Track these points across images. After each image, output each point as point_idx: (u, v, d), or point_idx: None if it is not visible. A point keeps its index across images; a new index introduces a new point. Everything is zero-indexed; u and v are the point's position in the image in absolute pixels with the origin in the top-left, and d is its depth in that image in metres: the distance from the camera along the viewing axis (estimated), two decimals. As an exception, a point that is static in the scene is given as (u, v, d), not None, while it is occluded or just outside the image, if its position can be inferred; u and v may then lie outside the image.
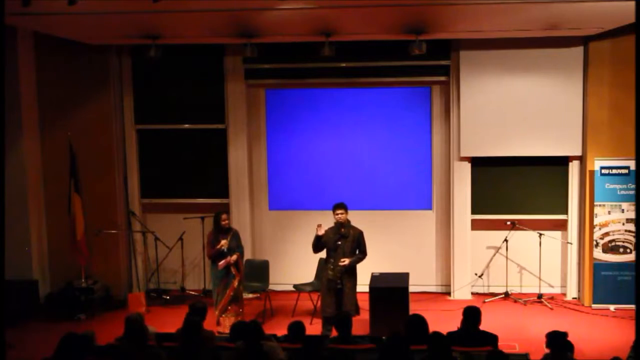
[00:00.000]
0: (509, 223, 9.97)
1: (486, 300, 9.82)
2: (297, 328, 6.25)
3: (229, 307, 8.52)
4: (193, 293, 10.38)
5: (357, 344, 6.18)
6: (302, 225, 10.15)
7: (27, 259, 9.87)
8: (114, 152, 10.29)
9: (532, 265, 10.04)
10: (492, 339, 6.08)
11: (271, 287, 9.75)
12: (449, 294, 10.25)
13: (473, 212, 10.11)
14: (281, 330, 6.63)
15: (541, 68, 9.63)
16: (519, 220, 9.96)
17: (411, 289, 8.60)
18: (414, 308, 8.38)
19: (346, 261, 8.10)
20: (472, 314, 6.16)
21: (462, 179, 10.03)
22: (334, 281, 8.11)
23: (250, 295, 9.77)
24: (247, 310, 8.98)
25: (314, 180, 10.56)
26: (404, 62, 9.79)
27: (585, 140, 9.61)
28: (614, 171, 9.33)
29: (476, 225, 10.17)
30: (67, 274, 10.00)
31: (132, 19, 8.03)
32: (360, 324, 8.10)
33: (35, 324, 9.26)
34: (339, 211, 8.20)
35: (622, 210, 9.36)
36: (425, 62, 9.81)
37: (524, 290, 10.12)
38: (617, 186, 9.34)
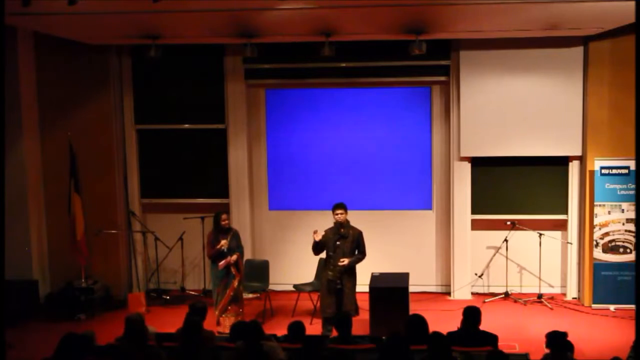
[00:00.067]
0: (509, 223, 9.97)
1: (486, 300, 9.82)
2: (297, 328, 6.25)
3: (229, 307, 8.52)
4: (193, 293, 10.38)
5: (357, 344, 6.18)
6: (302, 225, 10.15)
7: (27, 259, 9.87)
8: (114, 152, 10.29)
9: (532, 265, 10.04)
10: (492, 339, 6.08)
11: (271, 287, 9.75)
12: (449, 294, 10.25)
13: (473, 212, 10.11)
14: (281, 330, 6.63)
15: (541, 68, 9.63)
16: (519, 220, 9.96)
17: (411, 289, 8.60)
18: (414, 308, 8.38)
19: (345, 261, 8.09)
20: (472, 314, 6.16)
21: (462, 179, 10.03)
22: (334, 281, 8.11)
23: (250, 295, 9.77)
24: (247, 310, 8.98)
25: (314, 180, 10.56)
26: (404, 62, 9.79)
27: (585, 140, 9.61)
28: (614, 171, 9.33)
29: (476, 225, 10.18)
30: (67, 274, 10.00)
31: (132, 19, 8.02)
32: (360, 324, 8.10)
33: (35, 324, 9.26)
34: (339, 211, 8.20)
35: (622, 210, 9.36)
36: (425, 62, 9.81)
37: (524, 290, 10.12)
38: (617, 186, 9.34)
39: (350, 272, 8.22)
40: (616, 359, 5.46)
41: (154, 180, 10.65)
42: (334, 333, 6.52)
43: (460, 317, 6.22)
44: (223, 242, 8.47)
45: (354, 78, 10.20)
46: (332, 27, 8.44)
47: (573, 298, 9.94)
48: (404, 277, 8.66)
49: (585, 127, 9.60)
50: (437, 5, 7.60)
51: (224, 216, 8.66)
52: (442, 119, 10.24)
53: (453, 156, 10.02)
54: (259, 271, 9.60)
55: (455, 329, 6.17)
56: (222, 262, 8.45)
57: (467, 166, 10.04)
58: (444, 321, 7.75)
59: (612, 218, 9.39)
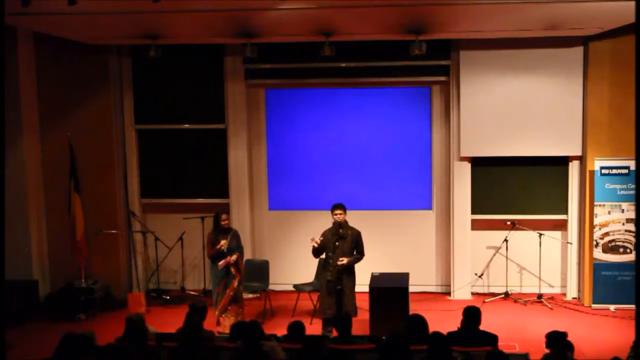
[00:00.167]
0: (509, 223, 9.97)
1: (486, 300, 9.82)
2: (297, 328, 6.26)
3: (229, 307, 8.51)
4: (193, 293, 10.38)
5: (357, 344, 6.18)
6: (302, 225, 10.16)
7: (27, 259, 9.86)
8: (114, 152, 10.29)
9: (532, 265, 10.04)
10: (492, 339, 6.08)
11: (271, 287, 9.76)
12: (449, 294, 10.25)
13: (473, 212, 10.11)
14: (281, 330, 6.63)
15: (541, 68, 9.63)
16: (519, 220, 9.96)
17: (411, 289, 8.60)
18: (414, 308, 8.38)
19: (345, 260, 8.09)
20: (472, 314, 6.16)
21: (462, 179, 10.03)
22: (334, 282, 8.11)
23: (250, 295, 9.77)
24: (247, 310, 8.98)
25: (314, 180, 10.56)
26: (404, 62, 9.79)
27: (585, 140, 9.61)
28: (614, 171, 9.33)
29: (476, 225, 10.17)
30: (67, 274, 9.99)
31: (132, 19, 8.03)
32: (360, 324, 8.10)
33: (35, 324, 9.26)
34: (338, 211, 8.20)
35: (622, 210, 9.36)
36: (425, 62, 9.81)
37: (524, 290, 10.12)
38: (617, 186, 9.34)
39: (349, 273, 8.22)
40: (616, 359, 5.46)
41: (154, 180, 10.65)
42: (334, 333, 6.52)
43: (460, 317, 6.22)
44: (223, 242, 8.47)
45: (354, 78, 10.20)
46: (332, 27, 8.44)
47: (573, 298, 9.94)
48: (404, 277, 8.66)
49: (585, 127, 9.60)
50: (437, 5, 7.60)
51: (224, 216, 8.66)
52: (442, 119, 10.24)
53: (453, 156, 10.02)
54: (259, 271, 9.60)
55: (455, 329, 6.18)
56: (222, 262, 8.45)
57: (467, 166, 10.04)
58: (444, 321, 7.75)
59: (612, 218, 9.39)
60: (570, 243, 9.93)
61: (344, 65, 10.04)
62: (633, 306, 8.27)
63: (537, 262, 9.91)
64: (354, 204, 9.99)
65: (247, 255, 9.72)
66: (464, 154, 9.94)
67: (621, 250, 9.40)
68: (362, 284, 8.57)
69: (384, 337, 5.85)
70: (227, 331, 7.32)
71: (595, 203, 9.41)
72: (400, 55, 9.28)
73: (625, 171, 9.30)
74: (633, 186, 9.16)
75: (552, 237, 9.99)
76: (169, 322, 8.43)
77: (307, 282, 9.51)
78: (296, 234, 10.33)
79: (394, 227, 10.43)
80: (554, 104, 9.65)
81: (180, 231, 10.32)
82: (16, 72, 9.67)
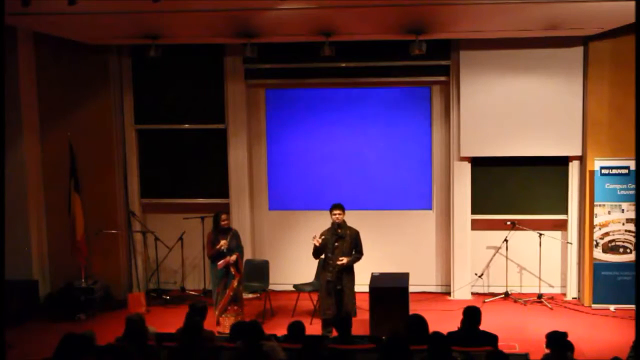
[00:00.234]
0: (509, 223, 9.97)
1: (486, 300, 9.82)
2: (297, 328, 6.26)
3: (229, 307, 8.51)
4: (193, 293, 10.38)
5: (357, 344, 6.18)
6: (302, 225, 10.16)
7: (27, 259, 9.86)
8: (114, 152, 10.29)
9: (532, 265, 10.04)
10: (492, 339, 6.08)
11: (271, 287, 9.75)
12: (449, 294, 10.25)
13: (473, 212, 10.11)
14: (281, 330, 6.63)
15: (541, 68, 9.63)
16: (519, 220, 9.96)
17: (411, 289, 8.60)
18: (414, 308, 8.38)
19: (344, 260, 8.09)
20: (472, 314, 6.16)
21: (462, 179, 10.03)
22: (334, 282, 8.11)
23: (250, 295, 9.77)
24: (247, 310, 8.98)
25: (314, 180, 10.56)
26: (404, 62, 9.79)
27: (585, 140, 9.61)
28: (614, 171, 9.33)
29: (476, 225, 10.17)
30: (67, 274, 9.99)
31: (132, 19, 8.03)
32: (360, 324, 8.10)
33: (35, 324, 9.25)
34: (337, 212, 8.20)
35: (622, 210, 9.36)
36: (425, 62, 9.81)
37: (524, 290, 10.12)
38: (617, 186, 9.34)
39: (349, 272, 8.22)
40: (616, 359, 5.46)
41: (154, 180, 10.65)
42: (334, 333, 6.52)
43: (460, 317, 6.22)
44: (223, 242, 8.46)
45: (354, 78, 10.20)
46: (332, 27, 8.44)
47: (573, 298, 9.94)
48: (404, 277, 8.66)
49: (585, 127, 9.60)
50: (437, 5, 7.60)
51: (223, 216, 8.66)
52: (442, 119, 10.24)
53: (453, 156, 10.02)
54: (259, 271, 9.60)
55: (455, 329, 6.17)
56: (221, 262, 8.45)
57: (467, 166, 10.04)
58: (444, 321, 7.74)
59: (612, 218, 9.39)
60: (570, 243, 9.93)
61: (344, 65, 10.03)
62: (633, 306, 8.27)
63: (537, 262, 9.91)
64: (354, 204, 10.00)
65: (247, 255, 9.72)
66: (464, 154, 9.94)
67: (621, 250, 9.40)
68: (362, 284, 8.57)
69: (384, 337, 5.85)
70: (227, 331, 7.32)
71: (595, 203, 9.41)
72: (400, 55, 9.28)
73: (625, 171, 9.30)
74: (633, 186, 9.16)
75: (552, 237, 9.99)
76: (169, 322, 8.43)
77: (307, 282, 9.51)
78: (296, 234, 10.33)
79: (394, 227, 10.43)
80: (554, 104, 9.65)
81: (180, 231, 10.32)
82: (16, 72, 9.67)
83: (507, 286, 10.04)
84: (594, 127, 9.50)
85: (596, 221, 9.42)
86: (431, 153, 10.36)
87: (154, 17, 7.84)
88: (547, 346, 5.58)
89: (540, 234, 9.82)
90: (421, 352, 5.54)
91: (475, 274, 10.18)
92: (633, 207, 9.17)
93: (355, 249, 8.26)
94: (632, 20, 7.43)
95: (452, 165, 10.04)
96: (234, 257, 8.48)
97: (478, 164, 10.05)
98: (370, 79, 10.18)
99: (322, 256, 8.38)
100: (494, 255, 10.19)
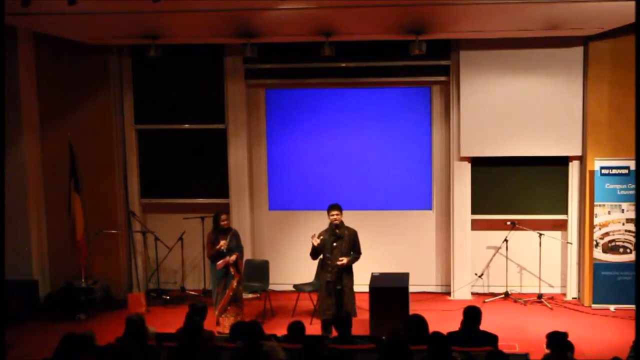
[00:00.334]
0: (509, 223, 9.97)
1: (486, 300, 9.82)
2: (297, 328, 6.25)
3: (229, 308, 8.51)
4: (193, 293, 10.38)
5: (357, 344, 6.18)
6: (302, 225, 10.15)
7: (27, 259, 9.86)
8: (114, 152, 10.29)
9: (532, 265, 10.04)
10: (492, 339, 6.08)
11: (271, 287, 9.75)
12: (449, 294, 10.25)
13: (473, 212, 10.11)
14: (281, 330, 6.63)
15: (541, 68, 9.63)
16: (519, 220, 9.96)
17: (411, 289, 8.59)
18: (414, 308, 8.38)
19: (344, 260, 8.09)
20: (472, 314, 6.16)
21: (462, 179, 10.03)
22: (333, 283, 8.10)
23: (250, 295, 9.77)
24: (247, 310, 8.98)
25: (314, 180, 10.55)
26: (404, 62, 9.79)
27: (585, 140, 9.61)
28: (614, 171, 9.33)
29: (476, 225, 10.17)
30: (67, 274, 9.99)
31: (132, 19, 8.03)
32: (360, 324, 8.10)
33: (35, 324, 9.25)
34: (334, 212, 8.19)
35: (622, 210, 9.36)
36: (425, 62, 9.81)
37: (524, 290, 10.12)
38: (617, 186, 9.34)
39: (348, 272, 8.23)
40: (616, 359, 5.46)
41: (154, 180, 10.65)
42: (334, 334, 6.51)
43: (460, 317, 6.22)
44: (222, 242, 8.46)
45: (354, 78, 10.20)
46: (332, 27, 8.44)
47: (573, 298, 9.94)
48: (404, 277, 8.66)
49: (585, 127, 9.60)
50: (437, 5, 7.60)
51: (223, 216, 8.65)
52: (442, 119, 10.24)
53: (453, 156, 10.02)
54: (259, 271, 9.60)
55: (456, 329, 6.17)
56: (220, 262, 8.45)
57: (467, 166, 10.04)
58: (444, 321, 7.74)
59: (612, 218, 9.39)
60: (570, 243, 9.93)
61: (344, 65, 10.03)
62: (633, 306, 8.27)
63: (537, 262, 9.91)
64: (354, 204, 10.02)
65: (247, 255, 9.72)
66: (464, 154, 9.94)
67: (621, 250, 9.40)
68: (362, 284, 8.57)
69: (384, 337, 5.85)
70: (227, 331, 7.32)
71: (595, 203, 9.41)
72: (400, 55, 9.28)
73: (625, 171, 9.30)
74: (633, 186, 9.16)
75: (552, 237, 9.99)
76: (169, 322, 8.43)
77: (307, 282, 9.51)
78: (296, 234, 10.32)
79: (394, 227, 10.43)
80: (554, 104, 9.65)
81: (180, 231, 10.32)
82: (16, 72, 9.67)
83: (507, 286, 10.04)
84: (594, 127, 9.50)
85: (596, 221, 9.42)
86: (431, 153, 10.36)
87: (154, 17, 7.83)
88: (548, 346, 5.58)
89: (540, 234, 9.82)
90: (421, 352, 5.54)
91: (475, 274, 10.18)
92: (633, 207, 9.17)
93: (353, 249, 8.26)
94: (632, 20, 7.43)
95: (452, 165, 10.04)
96: (233, 257, 8.48)
97: (478, 164, 10.05)
98: (370, 79, 10.18)
99: (321, 256, 8.38)
100: (494, 255, 10.19)
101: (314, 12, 7.73)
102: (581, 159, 9.75)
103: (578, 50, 9.53)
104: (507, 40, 9.49)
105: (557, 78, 9.62)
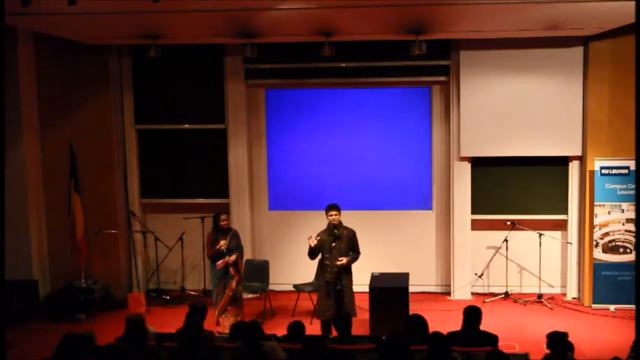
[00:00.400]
0: (509, 223, 9.97)
1: (486, 300, 9.82)
2: (297, 328, 6.26)
3: (229, 308, 8.51)
4: (193, 293, 10.38)
5: (357, 344, 6.18)
6: (302, 225, 10.13)
7: (27, 259, 9.86)
8: (114, 152, 10.29)
9: (532, 265, 10.04)
10: (492, 339, 6.08)
11: (271, 287, 9.75)
12: (449, 294, 10.25)
13: (473, 212, 10.11)
14: (281, 330, 6.63)
15: (541, 68, 9.63)
16: (519, 220, 9.96)
17: (411, 289, 8.60)
18: (414, 308, 8.38)
19: (344, 260, 8.08)
20: (472, 314, 6.16)
21: (462, 179, 10.03)
22: (333, 283, 8.10)
23: (250, 295, 9.77)
24: (247, 310, 8.98)
25: (314, 180, 10.55)
26: (404, 62, 9.79)
27: (585, 140, 9.61)
28: (614, 171, 9.33)
29: (476, 225, 10.17)
30: (67, 274, 9.99)
31: (132, 19, 8.03)
32: (360, 324, 8.10)
33: (35, 324, 9.25)
34: (333, 212, 8.18)
35: (622, 210, 9.36)
36: (425, 62, 9.81)
37: (524, 290, 10.12)
38: (617, 186, 9.34)
39: (348, 272, 8.22)
40: (616, 359, 5.46)
41: (154, 180, 10.65)
42: (334, 334, 6.51)
43: (460, 317, 6.22)
44: (222, 242, 8.46)
45: (354, 78, 10.20)
46: (332, 27, 8.44)
47: (573, 298, 9.94)
48: (404, 277, 8.66)
49: (585, 127, 9.60)
50: (437, 5, 7.60)
51: (223, 216, 8.65)
52: (442, 119, 10.24)
53: (453, 156, 10.02)
54: (259, 271, 9.60)
55: (456, 329, 6.17)
56: (220, 262, 8.45)
57: (467, 166, 10.04)
58: (444, 321, 7.75)
59: (612, 218, 9.39)
60: (570, 243, 9.93)
61: (344, 65, 10.03)
62: (633, 306, 8.28)
63: (537, 262, 9.91)
64: (353, 204, 10.02)
65: (247, 255, 9.72)
66: (464, 154, 9.94)
67: (621, 250, 9.40)
68: (362, 284, 8.57)
69: (384, 337, 5.86)
70: (227, 331, 7.32)
71: (595, 203, 9.41)
72: (400, 55, 9.28)
73: (625, 171, 9.30)
74: (633, 186, 9.16)
75: (552, 237, 9.99)
76: (169, 322, 8.43)
77: (307, 282, 9.51)
78: (296, 234, 10.31)
79: (394, 227, 10.43)
80: (554, 104, 9.65)
81: (180, 231, 10.32)
82: (16, 72, 9.67)
83: (507, 286, 10.04)
84: (594, 127, 9.50)
85: (596, 221, 9.42)
86: (431, 153, 10.36)
87: (154, 17, 7.83)
88: (548, 346, 5.58)
89: (540, 234, 9.82)
90: (421, 352, 5.54)
91: (475, 274, 10.18)
92: (633, 207, 9.17)
93: (352, 249, 8.25)
94: (632, 20, 7.43)
95: (452, 165, 10.04)
96: (233, 257, 8.48)
97: (478, 164, 10.05)
98: (370, 79, 10.18)
99: (319, 256, 8.37)
100: (494, 255, 10.19)
101: (314, 12, 7.73)
102: (581, 159, 9.75)
103: (578, 50, 9.53)
104: (507, 40, 9.49)
105: (557, 78, 9.62)
